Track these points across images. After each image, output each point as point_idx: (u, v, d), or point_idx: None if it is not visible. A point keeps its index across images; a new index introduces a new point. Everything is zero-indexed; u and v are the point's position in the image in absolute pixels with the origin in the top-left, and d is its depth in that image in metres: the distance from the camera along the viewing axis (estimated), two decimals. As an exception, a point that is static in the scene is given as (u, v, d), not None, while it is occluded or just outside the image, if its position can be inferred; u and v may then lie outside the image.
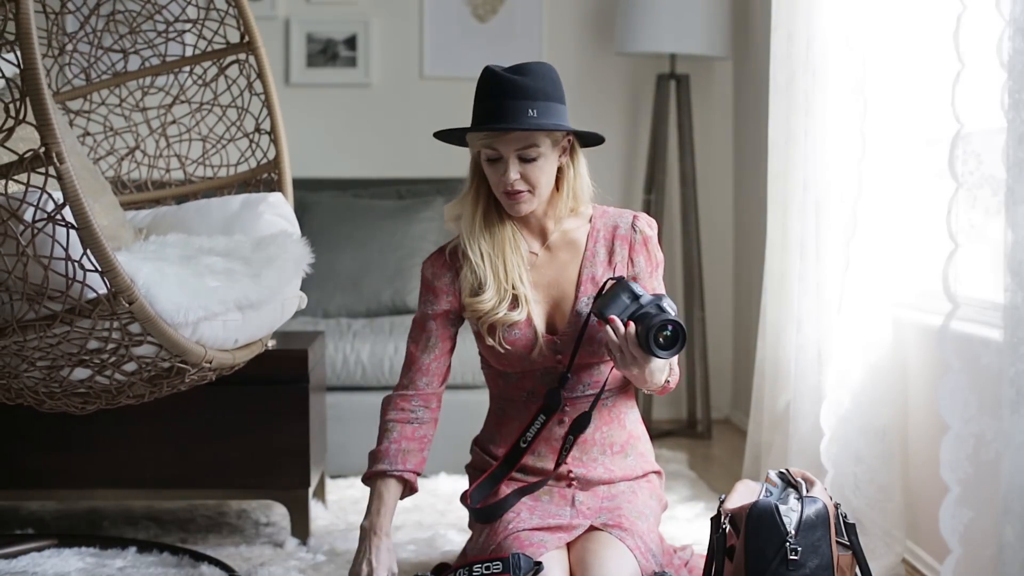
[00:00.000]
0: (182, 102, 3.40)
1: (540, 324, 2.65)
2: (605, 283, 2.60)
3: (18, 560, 3.03)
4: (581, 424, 2.64)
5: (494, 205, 2.67)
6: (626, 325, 2.51)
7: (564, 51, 4.93)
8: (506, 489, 2.66)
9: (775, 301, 3.62)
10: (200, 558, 3.06)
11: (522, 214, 2.63)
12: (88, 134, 3.42)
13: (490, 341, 2.64)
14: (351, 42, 4.99)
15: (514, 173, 2.55)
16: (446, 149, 4.99)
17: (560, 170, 2.64)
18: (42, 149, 2.27)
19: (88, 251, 2.33)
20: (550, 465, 2.67)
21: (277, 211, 3.10)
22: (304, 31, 4.98)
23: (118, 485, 3.26)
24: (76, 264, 2.34)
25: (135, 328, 2.46)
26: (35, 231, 2.31)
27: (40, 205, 2.30)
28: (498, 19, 5.00)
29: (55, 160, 2.27)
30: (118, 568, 3.00)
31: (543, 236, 2.70)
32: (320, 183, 4.71)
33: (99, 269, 2.35)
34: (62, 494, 3.33)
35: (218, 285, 2.61)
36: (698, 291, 4.80)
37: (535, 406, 2.67)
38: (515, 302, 2.63)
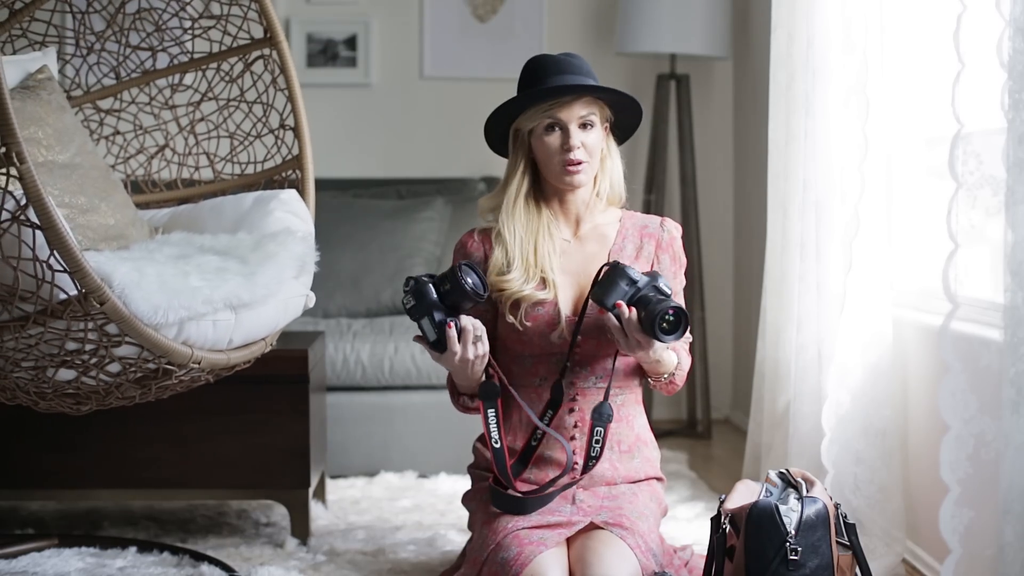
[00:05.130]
0: (210, 99, 3.40)
1: (565, 307, 2.69)
2: (601, 269, 2.62)
3: (18, 560, 3.03)
4: (602, 414, 2.64)
5: (533, 192, 2.74)
6: (628, 310, 2.54)
7: (564, 51, 4.92)
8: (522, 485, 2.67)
9: (775, 301, 3.61)
10: (200, 558, 3.06)
11: (579, 186, 2.70)
12: (118, 133, 3.42)
13: (511, 319, 2.68)
14: (351, 42, 4.99)
15: (577, 140, 2.65)
16: (446, 149, 5.02)
17: (600, 157, 2.75)
18: (2, 149, 2.26)
19: (55, 251, 2.33)
20: (559, 455, 2.68)
21: (288, 208, 3.07)
22: (304, 31, 4.98)
23: (118, 485, 3.26)
24: (44, 265, 2.34)
25: (112, 329, 2.45)
26: (1, 232, 2.30)
27: (2, 205, 2.30)
28: (498, 19, 5.00)
29: (15, 160, 2.26)
30: (118, 568, 3.00)
31: (576, 225, 2.77)
32: (320, 183, 4.68)
33: (67, 269, 2.34)
34: (62, 494, 3.33)
35: (202, 285, 2.58)
36: (698, 291, 4.80)
37: (544, 398, 2.69)
38: (543, 283, 2.69)
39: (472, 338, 2.56)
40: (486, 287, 2.60)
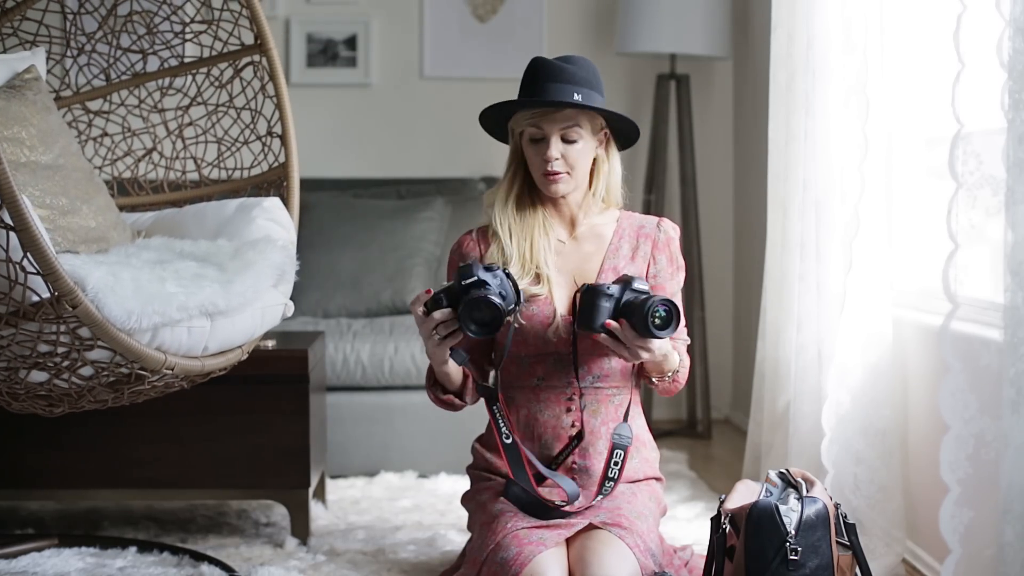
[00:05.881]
0: (199, 103, 3.40)
1: (560, 305, 2.70)
2: (574, 298, 2.64)
3: (18, 560, 3.03)
4: (623, 435, 2.65)
5: (527, 191, 2.76)
6: (619, 324, 2.55)
7: (564, 51, 4.91)
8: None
9: (775, 301, 3.61)
10: (200, 558, 3.06)
11: (559, 195, 2.71)
12: (107, 134, 3.42)
13: (507, 316, 2.67)
14: (351, 42, 4.99)
15: (555, 152, 2.65)
16: (446, 149, 5.02)
17: (595, 162, 2.75)
18: None
19: (28, 253, 2.32)
20: (554, 453, 2.70)
21: (270, 216, 3.07)
22: (304, 31, 4.98)
23: (118, 485, 3.26)
24: (17, 266, 2.33)
25: (85, 332, 2.44)
26: None
27: None
28: (498, 19, 5.00)
29: None
30: (118, 568, 3.00)
31: (572, 226, 2.78)
32: (320, 183, 4.71)
33: (40, 272, 2.33)
34: (62, 494, 3.33)
35: (178, 291, 2.57)
36: (698, 291, 4.79)
37: (543, 398, 2.70)
38: (537, 279, 2.70)
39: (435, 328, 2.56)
40: (494, 331, 2.54)
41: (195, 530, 3.39)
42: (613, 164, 2.77)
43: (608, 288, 2.57)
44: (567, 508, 2.62)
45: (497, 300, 2.51)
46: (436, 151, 5.03)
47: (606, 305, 2.56)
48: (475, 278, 2.54)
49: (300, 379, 3.25)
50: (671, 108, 4.84)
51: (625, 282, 2.59)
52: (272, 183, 3.29)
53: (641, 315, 2.51)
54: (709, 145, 5.05)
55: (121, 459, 3.24)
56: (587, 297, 2.59)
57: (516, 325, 2.67)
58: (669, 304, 2.51)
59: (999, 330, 2.31)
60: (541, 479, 2.67)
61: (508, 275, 2.60)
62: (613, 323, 2.55)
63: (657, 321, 2.51)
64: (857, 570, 2.41)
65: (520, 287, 2.64)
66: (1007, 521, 2.25)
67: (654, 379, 2.71)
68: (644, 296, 2.55)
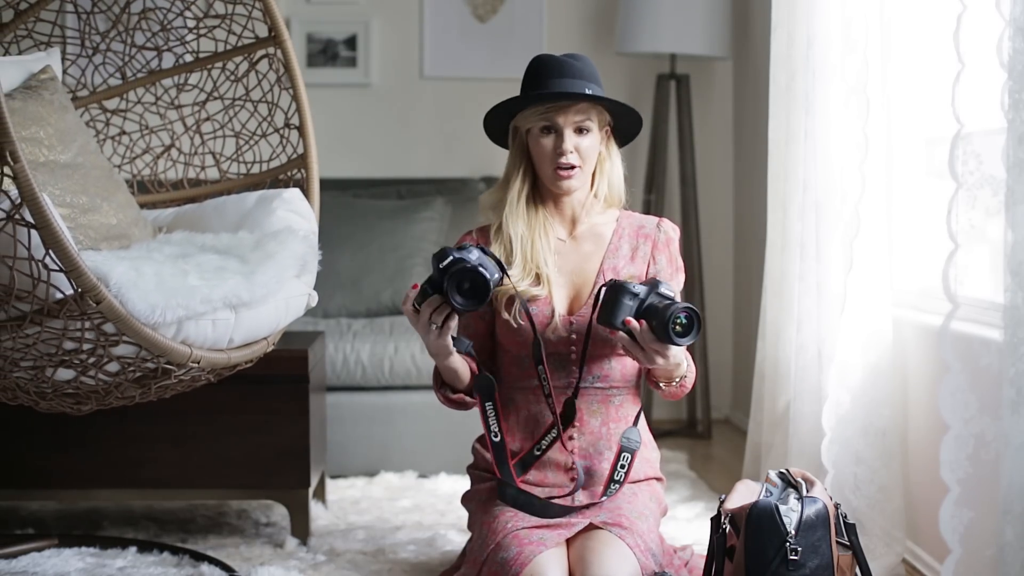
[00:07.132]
0: (215, 98, 3.40)
1: (559, 305, 2.70)
2: (600, 291, 2.62)
3: (18, 560, 3.03)
4: (631, 439, 2.65)
5: (531, 191, 2.76)
6: (640, 324, 2.53)
7: (564, 51, 4.92)
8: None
9: (775, 301, 3.62)
10: (200, 558, 3.06)
11: (571, 191, 2.72)
12: (124, 133, 3.42)
13: (505, 315, 2.69)
14: (351, 42, 4.99)
15: (570, 145, 2.66)
16: (446, 149, 5.02)
17: (598, 159, 2.75)
18: None
19: (50, 251, 2.33)
20: (560, 456, 2.70)
21: (290, 207, 3.07)
22: (304, 31, 4.98)
23: (118, 485, 3.26)
24: (40, 264, 2.34)
25: (109, 328, 2.44)
26: None
27: None
28: (498, 19, 5.00)
29: (8, 159, 2.26)
30: (118, 568, 3.00)
31: (572, 225, 2.78)
32: (320, 183, 4.70)
33: (63, 268, 2.34)
34: (62, 494, 3.33)
35: (200, 284, 2.58)
36: (698, 291, 4.79)
37: (543, 401, 2.69)
38: (537, 280, 2.71)
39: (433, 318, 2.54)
40: (483, 298, 2.52)
41: (195, 530, 3.39)
42: (615, 162, 2.78)
43: (634, 287, 2.55)
44: (565, 503, 2.62)
45: (477, 268, 2.49)
46: (436, 151, 5.03)
47: (629, 303, 2.55)
48: (451, 258, 2.52)
49: (300, 379, 3.26)
50: (671, 108, 4.84)
51: (652, 284, 2.57)
52: (291, 175, 3.28)
53: (662, 320, 2.49)
54: (709, 145, 5.05)
55: (121, 459, 3.24)
56: (611, 293, 2.57)
57: (515, 324, 2.66)
58: (691, 312, 2.49)
59: (999, 330, 2.31)
60: (524, 470, 2.67)
61: (483, 249, 2.59)
62: (633, 322, 2.53)
63: (678, 328, 2.49)
64: (857, 570, 2.41)
65: (521, 287, 2.65)
66: (1007, 521, 2.26)
67: (661, 384, 2.71)
68: (668, 301, 2.53)
